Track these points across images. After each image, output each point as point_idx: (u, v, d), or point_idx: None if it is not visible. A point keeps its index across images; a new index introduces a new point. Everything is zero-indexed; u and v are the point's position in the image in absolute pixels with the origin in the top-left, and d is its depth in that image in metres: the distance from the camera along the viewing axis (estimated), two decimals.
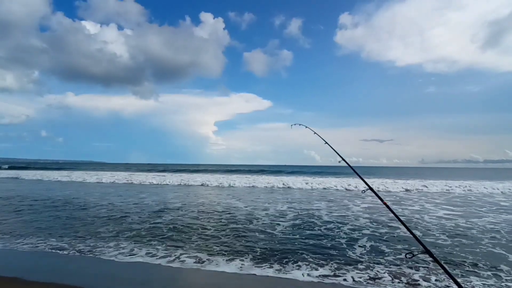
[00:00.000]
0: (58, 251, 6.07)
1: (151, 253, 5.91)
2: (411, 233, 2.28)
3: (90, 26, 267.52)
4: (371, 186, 2.87)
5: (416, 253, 2.15)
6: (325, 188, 20.33)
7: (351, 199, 14.52)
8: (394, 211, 2.51)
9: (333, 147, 3.69)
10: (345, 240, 7.06)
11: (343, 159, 3.41)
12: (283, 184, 21.94)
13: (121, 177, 28.60)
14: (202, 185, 23.43)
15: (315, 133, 4.50)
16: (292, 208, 11.82)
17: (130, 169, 54.97)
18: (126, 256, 5.75)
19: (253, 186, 21.96)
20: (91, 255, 5.85)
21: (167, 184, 24.14)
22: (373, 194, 2.71)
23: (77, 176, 30.30)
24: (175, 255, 5.73)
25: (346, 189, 19.62)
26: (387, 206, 2.51)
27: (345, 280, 4.59)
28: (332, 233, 7.69)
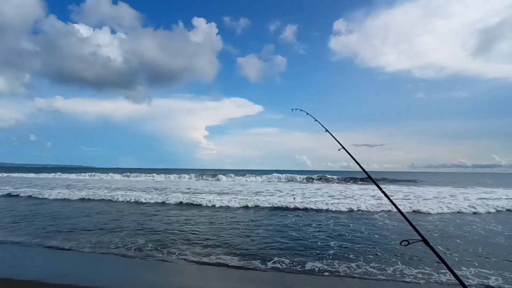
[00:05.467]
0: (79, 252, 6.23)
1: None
2: (408, 221, 2.27)
3: (83, 30, 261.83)
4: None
5: (412, 241, 2.12)
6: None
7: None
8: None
9: (333, 135, 3.67)
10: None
11: (343, 147, 3.40)
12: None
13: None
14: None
15: (315, 120, 4.40)
16: None
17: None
18: None
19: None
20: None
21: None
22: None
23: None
24: None
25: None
26: (385, 194, 2.51)
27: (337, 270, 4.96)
28: None
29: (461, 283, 1.77)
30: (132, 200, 13.68)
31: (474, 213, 11.14)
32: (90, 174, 41.45)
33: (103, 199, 14.42)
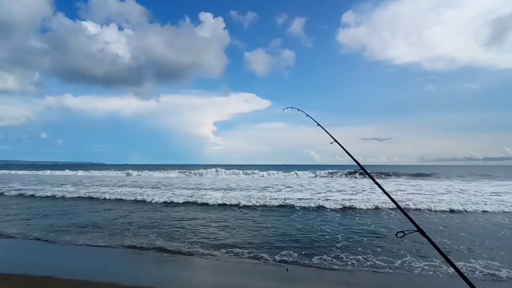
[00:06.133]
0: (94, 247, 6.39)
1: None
2: (403, 211, 2.21)
3: (91, 27, 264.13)
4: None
5: (408, 232, 2.09)
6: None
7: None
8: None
9: (325, 129, 3.63)
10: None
11: (335, 140, 3.38)
12: None
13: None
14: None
15: (307, 115, 4.50)
16: None
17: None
18: None
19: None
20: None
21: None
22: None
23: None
24: None
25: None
26: (379, 186, 2.45)
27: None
28: None
29: (459, 272, 1.73)
30: (140, 199, 13.82)
31: (484, 211, 10.77)
32: (100, 171, 41.47)
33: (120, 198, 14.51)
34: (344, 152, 3.14)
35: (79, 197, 14.44)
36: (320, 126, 3.87)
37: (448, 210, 10.43)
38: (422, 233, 2.03)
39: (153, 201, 12.80)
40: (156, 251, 6.06)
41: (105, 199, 13.81)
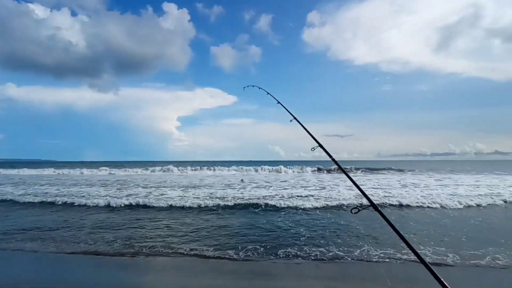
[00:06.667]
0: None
1: None
2: (357, 186, 2.18)
3: (39, 10, 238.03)
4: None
5: (362, 207, 2.06)
6: None
7: None
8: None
9: (285, 106, 3.57)
10: None
11: (295, 118, 3.36)
12: None
13: None
14: None
15: (268, 93, 4.56)
16: None
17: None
18: None
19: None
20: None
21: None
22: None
23: None
24: None
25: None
26: (335, 162, 2.40)
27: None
28: None
29: (410, 247, 1.72)
30: (87, 202, 12.72)
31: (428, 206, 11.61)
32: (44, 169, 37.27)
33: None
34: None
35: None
36: (280, 103, 3.91)
37: (398, 203, 11.00)
38: (375, 207, 2.03)
39: (103, 203, 11.37)
40: (114, 255, 5.69)
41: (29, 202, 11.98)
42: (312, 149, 2.78)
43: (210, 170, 33.95)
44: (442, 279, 1.48)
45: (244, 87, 5.23)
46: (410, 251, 1.82)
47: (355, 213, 2.03)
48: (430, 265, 1.59)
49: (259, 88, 4.89)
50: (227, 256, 5.51)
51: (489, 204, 10.75)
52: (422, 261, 1.63)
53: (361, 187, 2.20)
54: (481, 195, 12.44)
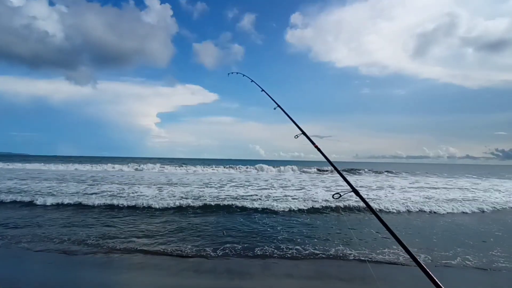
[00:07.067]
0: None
1: None
2: (339, 172, 2.17)
3: None
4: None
5: (344, 193, 2.05)
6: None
7: None
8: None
9: (269, 94, 3.56)
10: None
11: (279, 106, 3.34)
12: None
13: None
14: None
15: (252, 80, 4.53)
16: None
17: None
18: None
19: None
20: None
21: None
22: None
23: None
24: None
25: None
26: (318, 149, 2.39)
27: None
28: None
29: (392, 233, 1.70)
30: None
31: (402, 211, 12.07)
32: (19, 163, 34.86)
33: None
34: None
35: None
36: (264, 91, 3.92)
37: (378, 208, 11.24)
38: (356, 193, 2.03)
39: (73, 199, 10.83)
40: (87, 253, 5.48)
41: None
42: (296, 137, 2.78)
43: (188, 167, 33.26)
44: (435, 278, 1.46)
45: (228, 74, 5.21)
46: (378, 220, 1.82)
47: (336, 198, 2.02)
48: (415, 255, 1.58)
49: (243, 75, 4.85)
50: (204, 254, 5.48)
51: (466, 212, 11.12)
52: (408, 253, 1.61)
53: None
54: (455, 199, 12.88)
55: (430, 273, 1.46)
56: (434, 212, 10.13)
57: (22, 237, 6.31)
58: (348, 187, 2.07)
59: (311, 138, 2.67)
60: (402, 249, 1.65)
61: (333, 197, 2.08)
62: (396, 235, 1.71)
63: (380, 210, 9.97)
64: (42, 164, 33.07)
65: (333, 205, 9.98)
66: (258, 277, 4.61)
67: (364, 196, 2.04)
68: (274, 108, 3.30)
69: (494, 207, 11.20)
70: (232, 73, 5.15)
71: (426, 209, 10.46)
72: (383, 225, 1.79)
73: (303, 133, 2.73)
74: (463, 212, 10.34)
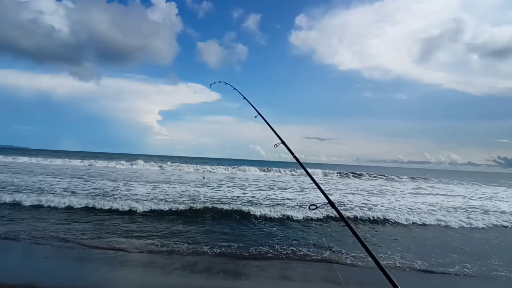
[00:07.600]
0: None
1: None
2: (316, 183, 2.14)
3: None
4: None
5: (319, 205, 2.03)
6: None
7: None
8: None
9: (250, 102, 3.53)
10: None
11: (260, 114, 3.33)
12: None
13: None
14: None
15: (234, 88, 4.47)
16: None
17: None
18: None
19: None
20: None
21: None
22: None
23: None
24: None
25: None
26: (296, 159, 2.37)
27: None
28: None
29: (365, 247, 1.67)
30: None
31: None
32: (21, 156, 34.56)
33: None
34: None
35: None
36: (246, 99, 3.86)
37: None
38: (332, 205, 2.01)
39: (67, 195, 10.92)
40: (80, 251, 5.46)
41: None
42: (275, 146, 2.75)
43: (187, 166, 33.17)
44: (394, 280, 1.44)
45: (211, 84, 5.05)
46: (354, 235, 1.80)
47: (312, 209, 2.00)
48: (383, 266, 1.55)
49: (226, 83, 4.78)
50: (200, 252, 5.53)
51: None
52: (376, 261, 1.58)
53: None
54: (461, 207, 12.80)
55: (389, 274, 1.44)
56: (446, 226, 8.99)
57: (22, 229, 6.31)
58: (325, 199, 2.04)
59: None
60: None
61: (309, 208, 2.06)
62: (363, 242, 1.68)
63: (376, 219, 9.73)
64: (42, 158, 33.15)
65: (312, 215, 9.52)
66: (252, 277, 4.65)
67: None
68: (255, 116, 3.26)
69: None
70: (214, 83, 5.05)
71: (429, 220, 9.41)
72: (352, 232, 1.78)
73: (282, 142, 2.70)
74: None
